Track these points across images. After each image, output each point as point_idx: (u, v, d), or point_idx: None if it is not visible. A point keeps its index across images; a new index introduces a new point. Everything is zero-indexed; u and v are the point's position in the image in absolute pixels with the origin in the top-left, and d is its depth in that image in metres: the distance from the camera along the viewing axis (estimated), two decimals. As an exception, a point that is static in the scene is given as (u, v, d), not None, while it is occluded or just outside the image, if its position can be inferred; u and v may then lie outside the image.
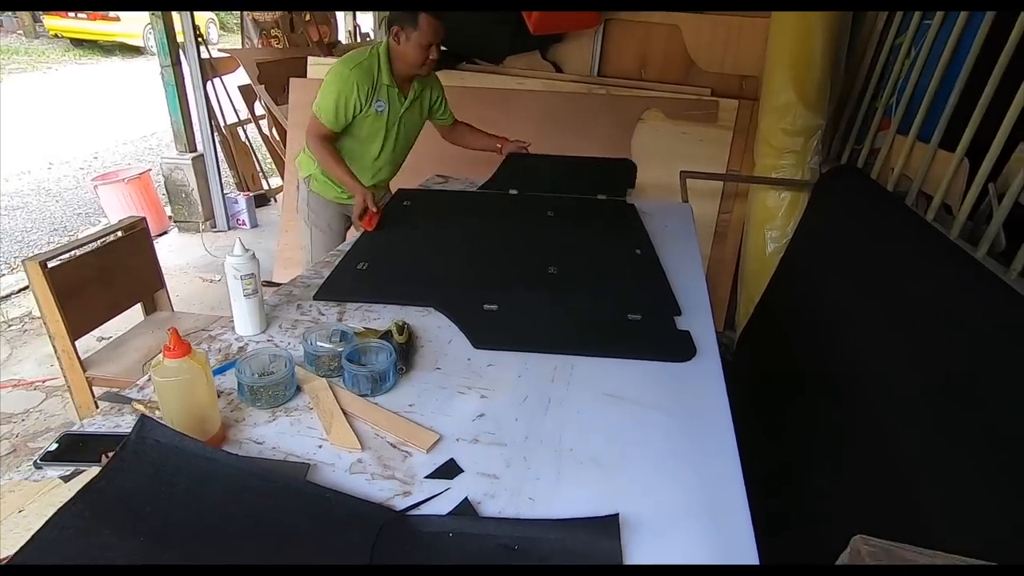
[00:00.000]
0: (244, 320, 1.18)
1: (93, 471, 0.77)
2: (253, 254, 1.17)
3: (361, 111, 1.79)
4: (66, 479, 0.78)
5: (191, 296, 2.97)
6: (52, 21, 10.44)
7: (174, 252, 3.46)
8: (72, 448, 0.86)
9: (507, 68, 2.92)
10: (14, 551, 0.61)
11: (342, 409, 0.98)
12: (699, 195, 2.62)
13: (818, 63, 2.22)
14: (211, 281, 3.17)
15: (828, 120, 2.34)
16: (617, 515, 0.78)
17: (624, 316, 1.29)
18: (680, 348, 1.19)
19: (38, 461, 0.83)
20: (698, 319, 1.31)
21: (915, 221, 1.62)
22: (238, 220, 3.84)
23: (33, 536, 0.61)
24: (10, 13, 11.50)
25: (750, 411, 1.84)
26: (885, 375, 1.41)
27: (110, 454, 0.79)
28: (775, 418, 1.81)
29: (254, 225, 3.85)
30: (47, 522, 0.63)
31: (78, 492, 0.68)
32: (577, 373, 1.13)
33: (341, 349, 1.08)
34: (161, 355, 0.83)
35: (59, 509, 0.65)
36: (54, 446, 0.86)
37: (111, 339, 1.81)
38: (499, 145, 2.12)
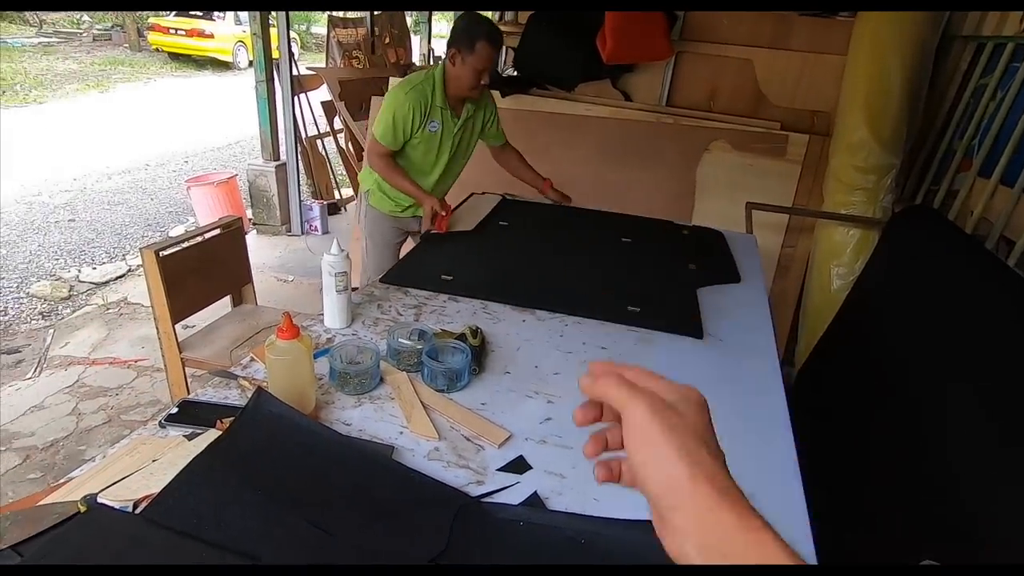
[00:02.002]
0: (333, 314, 1.29)
1: (211, 433, 0.88)
2: (347, 254, 1.28)
3: (416, 131, 1.89)
4: (189, 438, 0.88)
5: (265, 293, 3.16)
6: (154, 36, 11.45)
7: (252, 252, 3.67)
8: (189, 413, 0.97)
9: (577, 95, 3.01)
10: (156, 491, 0.72)
11: (421, 402, 1.07)
12: (762, 227, 2.61)
13: (895, 101, 2.21)
14: (284, 281, 3.37)
15: (903, 159, 2.31)
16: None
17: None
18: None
19: (162, 421, 0.95)
20: (762, 349, 1.34)
21: (996, 265, 1.58)
22: (311, 226, 4.07)
23: (174, 478, 0.71)
24: (119, 28, 12.68)
25: (808, 448, 1.81)
26: (956, 425, 1.37)
27: (224, 420, 0.90)
28: (833, 458, 1.77)
29: (325, 231, 4.08)
30: (185, 468, 0.73)
31: (207, 447, 0.78)
32: (641, 388, 1.17)
33: (420, 347, 1.16)
34: (274, 336, 0.93)
35: (192, 459, 0.75)
36: (175, 410, 0.98)
37: (196, 327, 1.98)
38: (542, 187, 2.20)
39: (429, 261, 1.67)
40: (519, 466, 0.94)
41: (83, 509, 0.72)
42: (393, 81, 3.31)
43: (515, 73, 3.17)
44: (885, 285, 2.05)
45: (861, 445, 1.70)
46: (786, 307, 2.74)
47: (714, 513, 0.35)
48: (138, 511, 0.69)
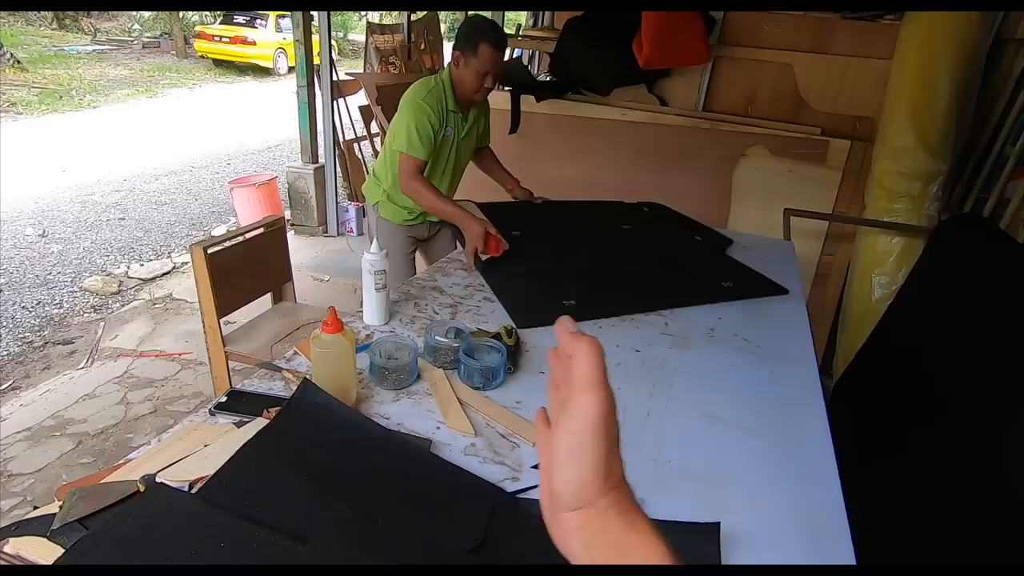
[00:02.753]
0: (372, 311, 1.32)
1: (259, 421, 0.92)
2: (387, 253, 1.31)
3: (435, 136, 1.81)
4: (238, 425, 0.92)
5: (304, 292, 3.25)
6: (200, 43, 11.91)
7: (291, 252, 3.81)
8: (238, 402, 1.01)
9: (612, 100, 3.02)
10: (210, 473, 0.75)
11: (457, 398, 1.09)
12: (800, 234, 2.56)
13: (943, 106, 2.14)
14: (321, 280, 3.46)
15: (950, 166, 2.24)
16: (718, 524, 0.81)
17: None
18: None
19: (212, 409, 0.99)
20: (800, 357, 1.32)
21: (1050, 276, 1.52)
22: (347, 227, 4.17)
23: (227, 462, 0.75)
24: (167, 36, 13.23)
25: (846, 458, 1.76)
26: (1013, 443, 1.32)
27: (271, 409, 0.94)
28: (872, 472, 1.72)
29: (360, 233, 4.17)
30: (237, 452, 0.76)
31: (257, 434, 0.81)
32: (676, 392, 1.17)
33: (457, 344, 1.18)
34: (320, 329, 0.97)
35: (243, 445, 0.79)
36: (224, 399, 1.02)
37: (237, 323, 2.04)
38: (511, 186, 2.16)
39: (534, 288, 1.58)
40: (554, 464, 0.95)
41: (142, 488, 0.76)
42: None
43: (551, 78, 3.19)
44: (931, 295, 1.99)
45: (903, 460, 1.65)
46: (824, 317, 2.67)
47: (607, 520, 0.36)
48: (194, 491, 0.73)
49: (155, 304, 3.09)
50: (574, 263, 1.76)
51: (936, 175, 2.20)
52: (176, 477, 0.75)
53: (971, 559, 1.24)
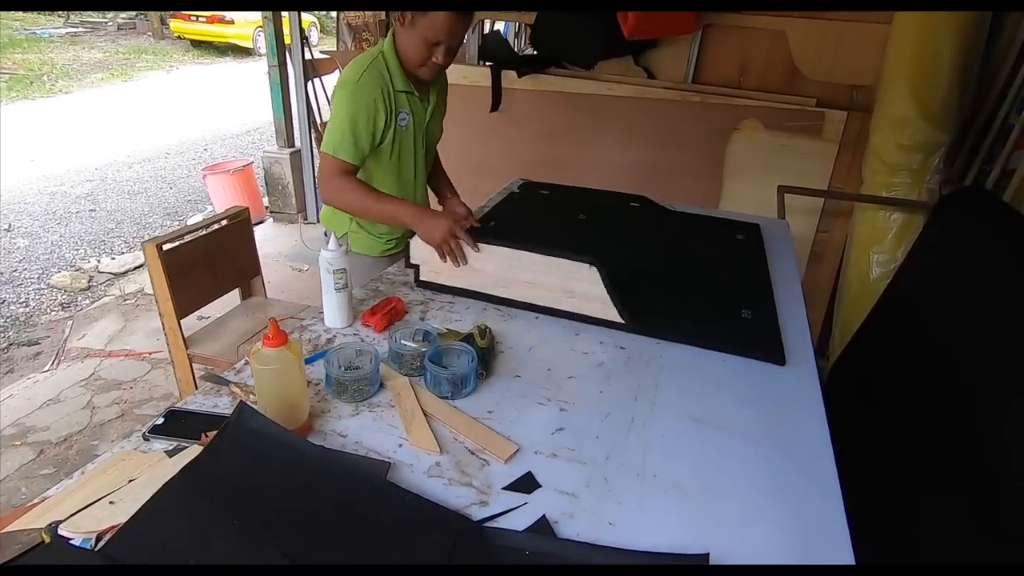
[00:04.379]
0: (333, 312, 1.22)
1: (193, 448, 0.82)
2: (347, 249, 1.20)
3: (385, 130, 1.39)
4: (170, 454, 0.82)
5: (281, 283, 3.14)
6: (176, 23, 11.51)
7: (268, 241, 3.68)
8: (176, 424, 0.91)
9: (597, 74, 2.87)
10: (121, 522, 0.65)
11: (423, 410, 0.99)
12: (795, 211, 2.45)
13: (945, 73, 2.02)
14: (300, 271, 3.34)
15: (953, 136, 2.12)
16: (707, 555, 0.72)
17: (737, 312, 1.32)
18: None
19: (146, 433, 0.89)
20: (797, 352, 1.22)
21: (1060, 253, 1.42)
22: (327, 213, 4.02)
23: (140, 508, 0.65)
24: (143, 17, 12.78)
25: (843, 447, 1.69)
26: (1017, 432, 1.24)
27: (209, 433, 0.84)
28: (873, 458, 1.65)
29: (341, 219, 4.03)
30: (152, 496, 0.66)
31: (181, 470, 0.71)
32: (663, 394, 1.07)
33: (425, 349, 1.08)
34: (260, 343, 0.86)
35: (163, 485, 0.69)
36: (160, 420, 0.92)
37: (209, 319, 1.94)
38: (448, 194, 1.70)
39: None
40: (527, 484, 0.86)
41: (47, 539, 0.66)
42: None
43: (532, 52, 3.04)
44: (932, 273, 1.90)
45: (903, 443, 1.58)
46: (820, 297, 2.59)
47: None
48: (101, 544, 0.63)
49: (126, 300, 2.97)
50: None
51: (937, 146, 2.09)
52: (82, 527, 0.65)
53: (977, 561, 1.17)
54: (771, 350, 1.20)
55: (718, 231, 1.87)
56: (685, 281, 1.51)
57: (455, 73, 2.75)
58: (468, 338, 1.14)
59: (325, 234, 1.44)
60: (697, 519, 0.81)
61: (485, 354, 1.11)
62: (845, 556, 0.76)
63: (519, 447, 0.92)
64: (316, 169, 1.48)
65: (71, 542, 0.63)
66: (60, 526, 0.65)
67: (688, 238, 1.82)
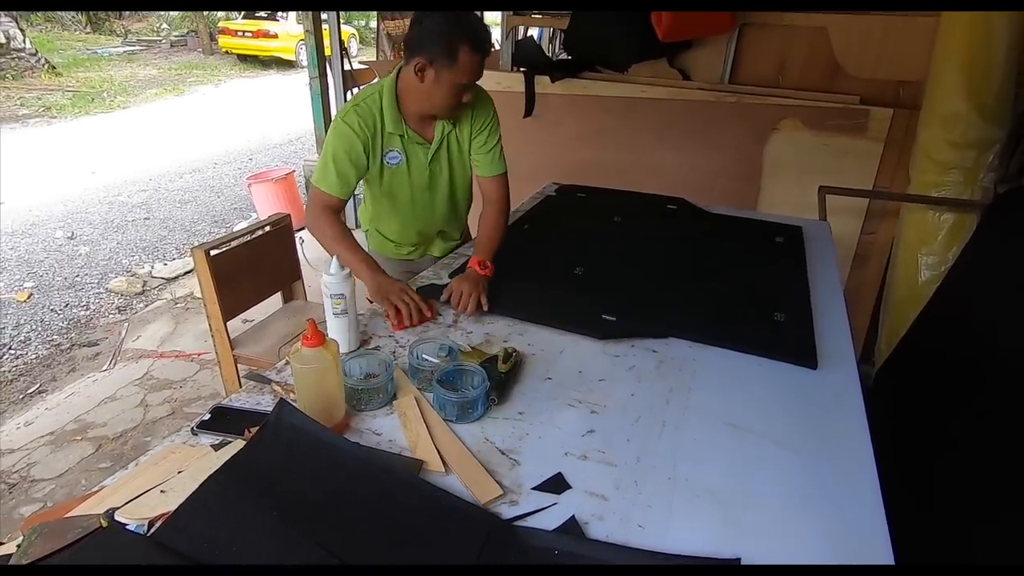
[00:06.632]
0: (335, 337, 1.16)
1: (237, 443, 0.86)
2: (349, 273, 1.15)
3: (369, 166, 1.41)
4: (216, 448, 0.86)
5: (320, 288, 3.23)
6: (224, 39, 12.02)
7: (309, 248, 3.79)
8: (221, 420, 0.96)
9: (631, 76, 2.85)
10: (171, 510, 0.69)
11: (429, 431, 0.94)
12: (837, 212, 2.38)
13: (1000, 65, 1.93)
14: (339, 275, 3.42)
15: (1009, 132, 2.02)
16: (739, 559, 0.71)
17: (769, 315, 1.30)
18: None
19: (194, 428, 0.94)
20: (837, 356, 1.19)
21: None
22: (365, 220, 4.12)
23: (188, 498, 0.68)
24: (194, 34, 13.40)
25: (887, 454, 1.63)
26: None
27: (252, 429, 0.88)
28: (918, 467, 1.58)
29: (379, 225, 4.12)
30: (197, 488, 0.70)
31: (224, 464, 0.75)
32: (695, 397, 1.06)
33: (445, 366, 1.05)
34: (300, 343, 0.90)
35: (208, 478, 0.72)
36: (207, 416, 0.96)
37: (253, 322, 2.01)
38: (475, 259, 1.42)
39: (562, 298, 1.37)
40: (557, 485, 0.86)
41: (104, 524, 0.70)
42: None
43: (566, 56, 3.04)
44: (985, 276, 1.81)
45: (951, 452, 1.51)
46: (864, 301, 2.50)
47: None
48: (152, 531, 0.67)
49: (176, 303, 3.11)
50: (611, 267, 1.57)
51: (992, 143, 1.99)
52: (135, 514, 0.69)
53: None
54: (802, 353, 1.17)
55: (757, 233, 1.83)
56: (719, 284, 1.49)
57: (489, 80, 2.78)
58: (491, 360, 1.09)
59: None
60: (729, 525, 0.80)
61: (505, 379, 1.06)
62: (880, 532, 0.74)
63: (503, 492, 0.83)
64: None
65: (127, 527, 0.67)
66: (116, 512, 0.69)
67: (726, 240, 1.79)
